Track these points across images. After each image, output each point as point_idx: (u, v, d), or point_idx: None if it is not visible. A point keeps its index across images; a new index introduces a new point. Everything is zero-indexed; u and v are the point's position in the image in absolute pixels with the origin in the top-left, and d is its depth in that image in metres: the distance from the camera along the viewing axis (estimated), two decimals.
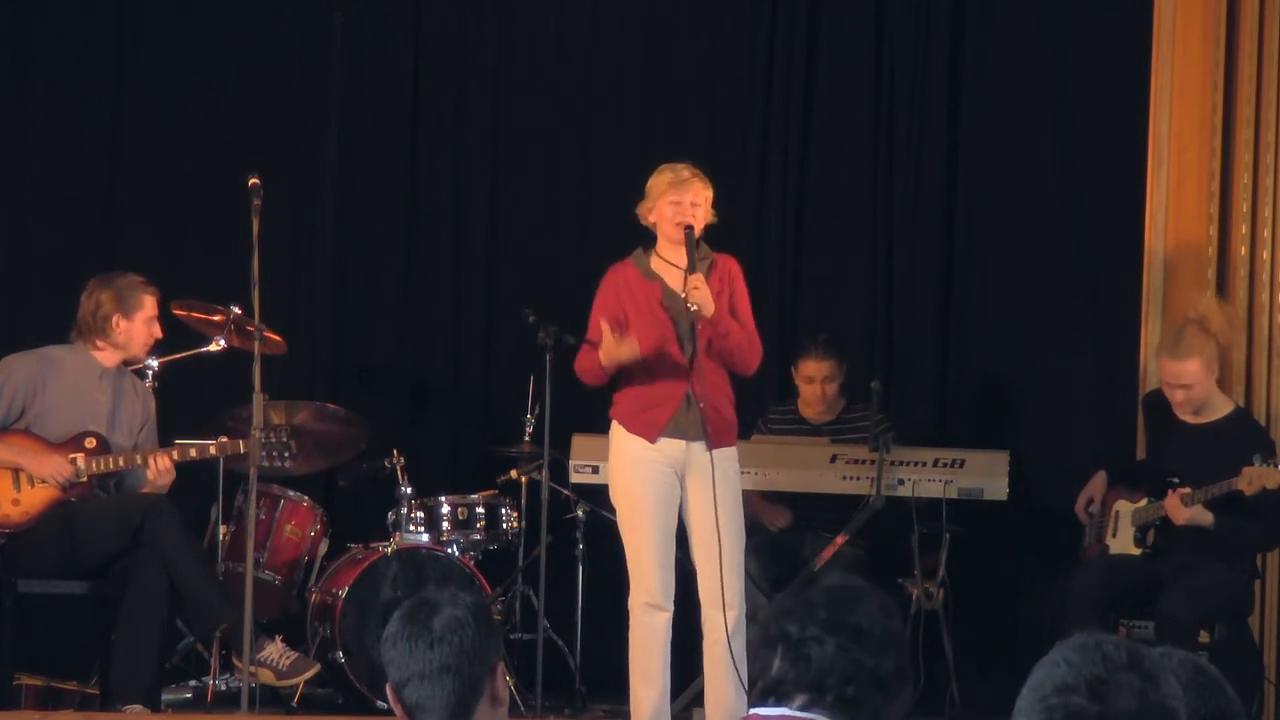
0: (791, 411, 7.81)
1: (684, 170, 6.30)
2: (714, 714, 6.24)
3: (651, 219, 6.33)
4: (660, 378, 6.24)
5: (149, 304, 6.91)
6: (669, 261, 6.31)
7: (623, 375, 6.32)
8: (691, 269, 6.16)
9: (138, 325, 6.88)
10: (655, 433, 6.23)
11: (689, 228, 6.20)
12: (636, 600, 6.25)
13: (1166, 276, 7.41)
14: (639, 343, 6.23)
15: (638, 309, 6.25)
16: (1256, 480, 6.48)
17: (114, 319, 6.86)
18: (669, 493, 6.24)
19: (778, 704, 2.90)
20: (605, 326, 6.20)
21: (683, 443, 6.23)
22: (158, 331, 6.95)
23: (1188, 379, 6.66)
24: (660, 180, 6.30)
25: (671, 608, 6.25)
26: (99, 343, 6.88)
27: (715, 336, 6.23)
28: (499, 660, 3.04)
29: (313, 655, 6.95)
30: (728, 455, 6.27)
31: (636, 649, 6.25)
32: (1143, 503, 6.91)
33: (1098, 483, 7.08)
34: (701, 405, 6.21)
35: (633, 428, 6.26)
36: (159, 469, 6.73)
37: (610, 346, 6.17)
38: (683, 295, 6.18)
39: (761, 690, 2.96)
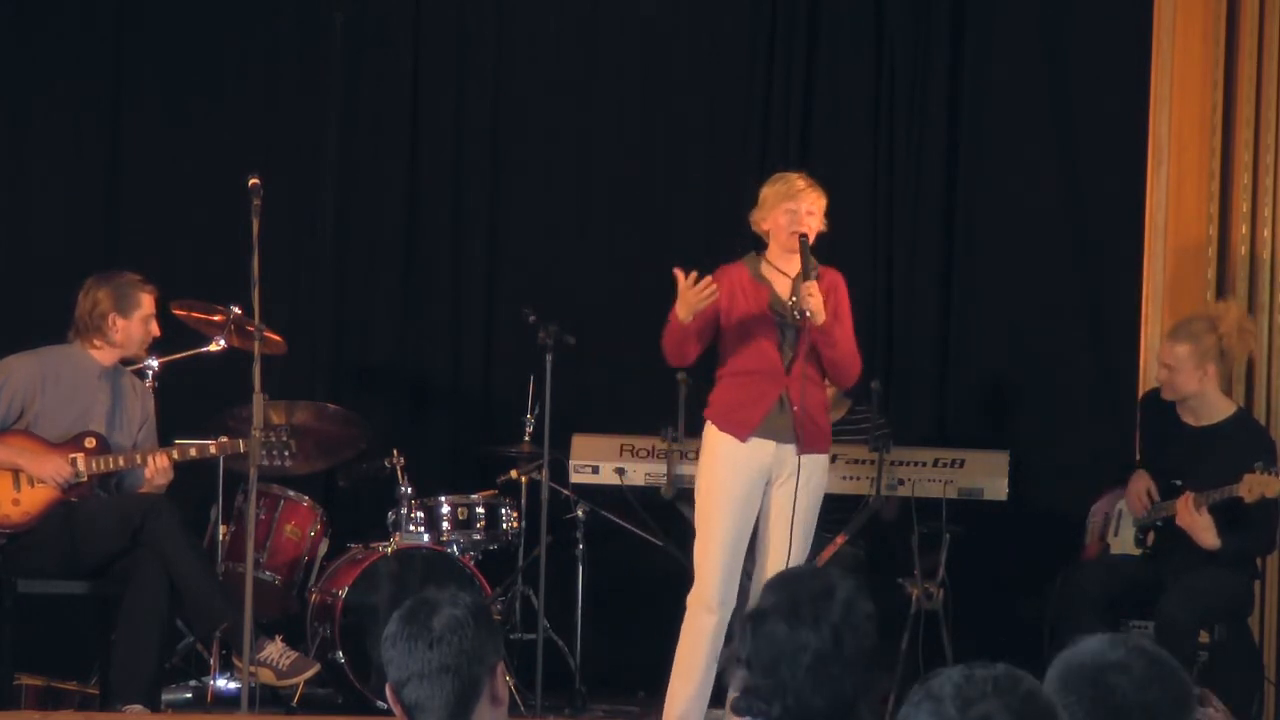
0: None
1: (799, 180, 6.32)
2: None
3: (765, 226, 6.34)
4: (757, 379, 6.23)
5: (146, 302, 6.89)
6: (778, 269, 6.32)
7: (720, 374, 6.29)
8: (806, 276, 6.18)
9: (135, 324, 6.87)
10: (747, 431, 6.21)
11: (803, 236, 6.22)
12: (695, 598, 6.21)
13: (1166, 276, 7.42)
14: (742, 341, 6.23)
15: (746, 308, 6.25)
16: (1257, 488, 6.48)
17: (111, 317, 6.84)
18: (751, 498, 6.21)
19: (757, 716, 2.95)
20: (679, 273, 6.16)
21: (772, 444, 6.22)
22: (155, 330, 6.94)
23: (1171, 360, 6.69)
24: (775, 189, 6.32)
25: (725, 613, 6.19)
26: (97, 341, 6.87)
27: (824, 344, 6.24)
28: (499, 660, 3.05)
29: (313, 655, 6.95)
30: (818, 462, 6.27)
31: (684, 645, 6.22)
32: None
33: (1144, 476, 6.94)
34: (795, 409, 6.21)
35: (725, 426, 6.23)
36: (156, 468, 6.73)
37: (684, 291, 6.13)
38: (790, 302, 6.20)
39: (734, 709, 3.02)
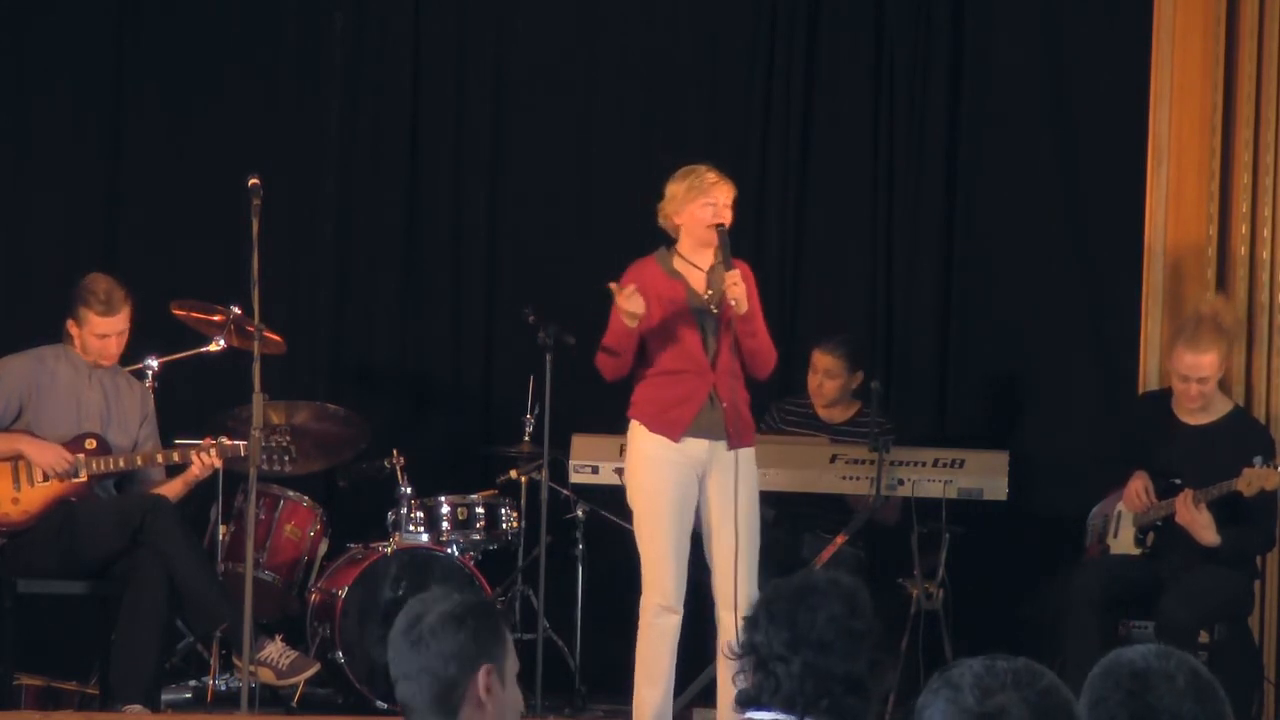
0: (808, 406, 7.82)
1: (710, 173, 6.34)
2: (725, 712, 6.24)
3: (678, 221, 6.35)
4: (683, 377, 6.25)
5: (93, 322, 6.76)
6: (691, 262, 6.33)
7: (644, 374, 6.31)
8: (727, 266, 6.19)
9: (86, 335, 6.80)
10: (679, 431, 6.23)
11: (722, 226, 6.23)
12: (649, 601, 6.23)
13: (1166, 276, 7.42)
14: (664, 339, 6.25)
15: (662, 305, 6.26)
16: (1256, 482, 6.49)
17: (69, 320, 6.83)
18: (688, 494, 6.24)
19: (764, 708, 2.93)
20: (614, 286, 6.18)
21: (706, 442, 6.24)
22: (111, 348, 6.82)
23: (1206, 371, 6.65)
24: (687, 184, 6.33)
25: (682, 610, 6.24)
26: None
27: (745, 334, 6.25)
28: (489, 664, 3.02)
29: (313, 655, 6.95)
30: (748, 455, 6.29)
31: (645, 649, 6.24)
32: None
33: (1142, 475, 6.93)
34: (724, 405, 6.22)
35: (655, 427, 6.25)
36: (204, 465, 6.71)
37: (622, 301, 6.16)
38: (708, 294, 6.21)
39: (740, 700, 3.00)
